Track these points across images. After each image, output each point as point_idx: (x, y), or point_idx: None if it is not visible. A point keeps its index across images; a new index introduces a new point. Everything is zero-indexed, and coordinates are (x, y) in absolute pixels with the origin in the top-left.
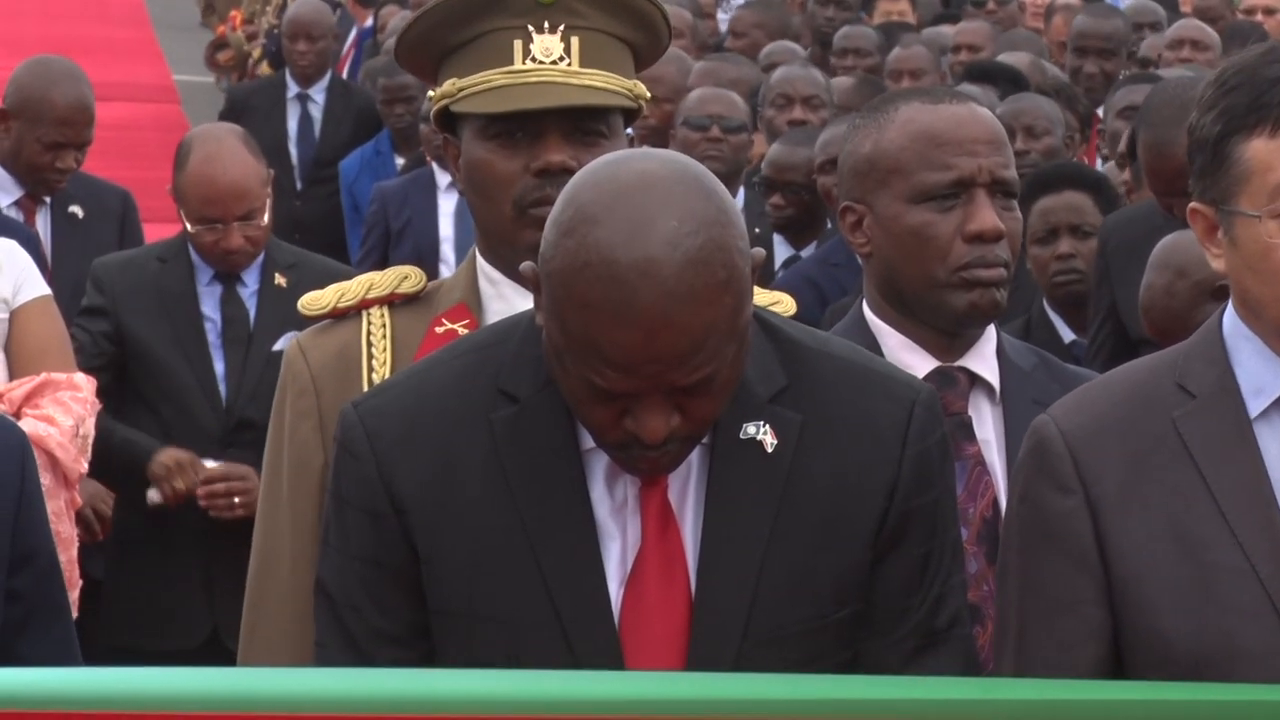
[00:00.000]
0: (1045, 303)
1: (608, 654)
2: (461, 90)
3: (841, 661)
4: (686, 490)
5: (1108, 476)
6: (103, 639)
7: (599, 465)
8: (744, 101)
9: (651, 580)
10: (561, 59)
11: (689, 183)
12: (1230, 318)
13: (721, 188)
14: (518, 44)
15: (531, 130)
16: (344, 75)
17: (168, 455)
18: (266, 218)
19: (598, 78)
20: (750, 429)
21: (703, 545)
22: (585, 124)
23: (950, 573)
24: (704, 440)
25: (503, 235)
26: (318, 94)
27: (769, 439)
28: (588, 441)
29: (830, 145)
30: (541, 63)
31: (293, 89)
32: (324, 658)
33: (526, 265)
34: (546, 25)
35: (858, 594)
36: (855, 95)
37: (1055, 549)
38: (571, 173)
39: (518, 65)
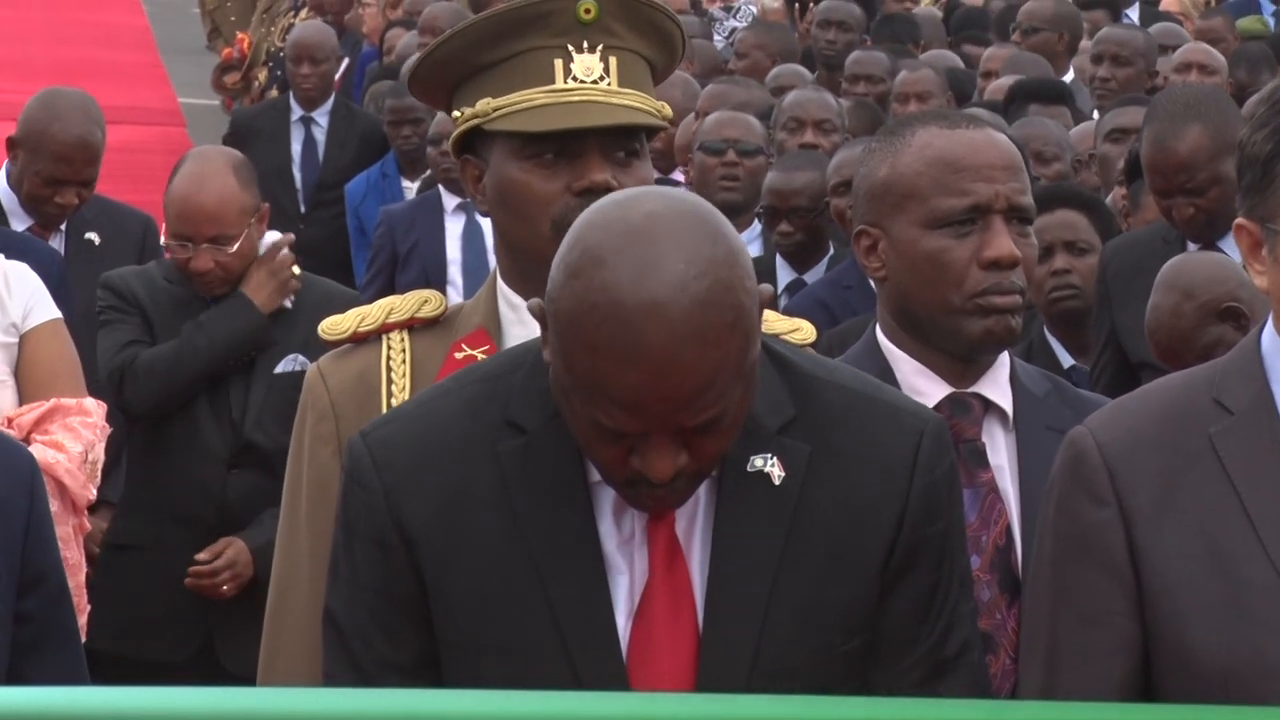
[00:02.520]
0: (1045, 328)
1: (615, 687)
2: (498, 110)
3: (850, 692)
4: (694, 524)
5: (1143, 490)
6: (87, 643)
7: (607, 498)
8: (762, 125)
9: (659, 613)
10: (602, 78)
11: (696, 224)
12: (1270, 335)
13: (729, 228)
14: (558, 63)
15: (571, 150)
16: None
17: (218, 559)
18: (238, 246)
19: (635, 98)
20: (758, 461)
21: (710, 578)
22: (622, 143)
23: (959, 601)
24: (712, 473)
25: (538, 256)
26: (321, 117)
27: (776, 471)
28: (595, 474)
29: (844, 167)
30: (583, 82)
31: (296, 112)
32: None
33: (534, 302)
34: (586, 45)
35: (866, 625)
36: (852, 119)
37: (1088, 560)
38: (612, 191)
39: (559, 84)
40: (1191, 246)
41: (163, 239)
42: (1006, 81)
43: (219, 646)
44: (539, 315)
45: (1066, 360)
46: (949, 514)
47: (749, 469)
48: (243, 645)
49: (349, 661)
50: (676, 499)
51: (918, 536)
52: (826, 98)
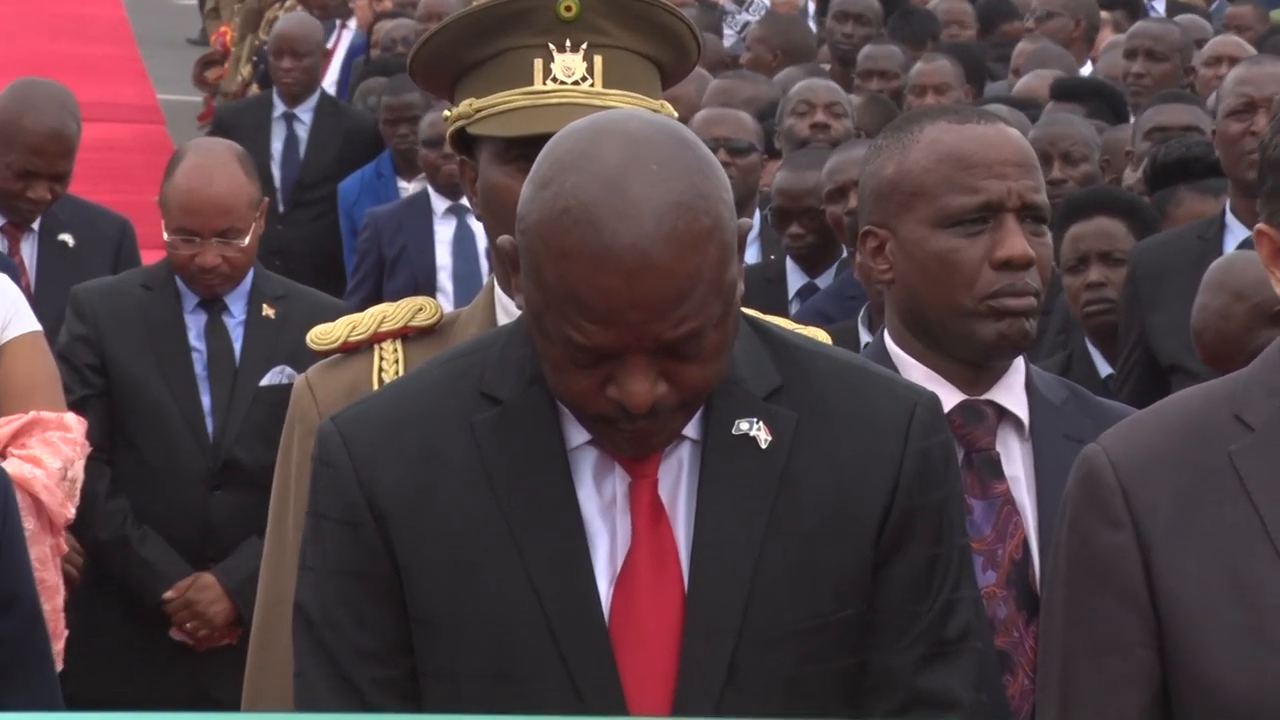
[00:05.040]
0: (1086, 337)
1: (598, 654)
2: (479, 111)
3: (845, 669)
4: (678, 487)
5: (1160, 512)
6: (70, 688)
7: (586, 463)
8: (753, 120)
9: (643, 577)
10: (584, 79)
11: (670, 134)
12: None
13: (705, 147)
14: (538, 63)
15: None
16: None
17: (180, 597)
18: (248, 240)
19: (622, 99)
20: (743, 425)
21: (695, 541)
22: None
23: (959, 583)
24: (695, 438)
25: (514, 256)
26: (305, 113)
27: (763, 435)
28: (574, 439)
29: (838, 172)
30: (563, 83)
31: (279, 108)
32: (304, 687)
33: (504, 239)
34: (568, 43)
35: (860, 595)
36: (864, 114)
37: (1103, 586)
38: None
39: (538, 86)
40: (1229, 245)
41: (166, 236)
42: (1031, 78)
43: (215, 684)
44: (509, 251)
45: (1105, 370)
46: (947, 486)
47: (734, 432)
48: (239, 687)
49: (320, 652)
50: (658, 430)
51: (912, 505)
52: (833, 84)
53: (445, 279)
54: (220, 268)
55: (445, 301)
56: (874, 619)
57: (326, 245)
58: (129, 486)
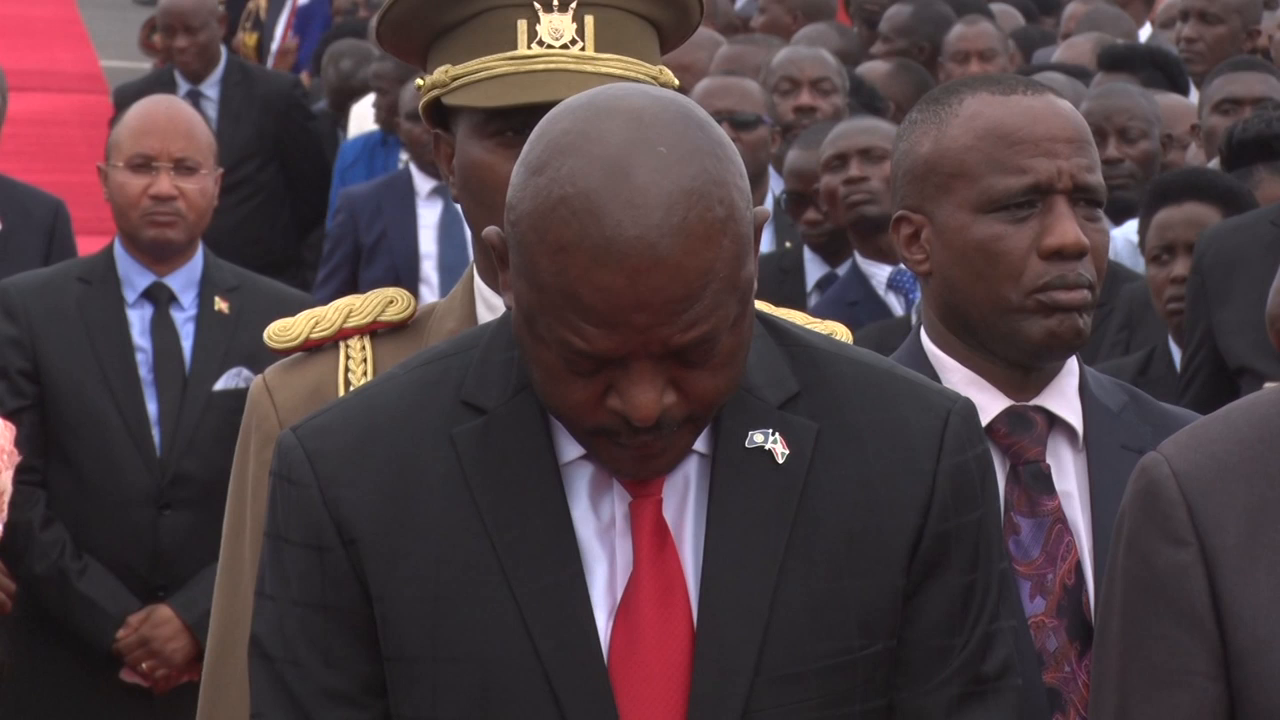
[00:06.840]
0: (1170, 335)
1: (596, 696)
2: (456, 79)
3: (873, 710)
4: (685, 507)
5: (1229, 527)
6: None
7: (582, 480)
8: (760, 89)
9: (646, 608)
10: (574, 42)
11: (679, 112)
12: None
13: (717, 127)
14: (522, 24)
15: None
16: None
17: (133, 634)
18: (205, 185)
19: (616, 64)
20: (757, 437)
21: (705, 567)
22: None
23: (998, 612)
24: (703, 451)
25: (502, 249)
26: (210, 88)
27: (779, 448)
28: (568, 453)
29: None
30: (551, 47)
31: (183, 86)
32: None
33: (491, 230)
34: (556, 3)
35: (889, 629)
36: (892, 83)
37: (1164, 610)
38: None
39: (522, 50)
40: None
41: (116, 179)
42: (1082, 41)
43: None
44: (498, 244)
45: None
46: (984, 505)
47: (747, 445)
48: None
49: (280, 692)
50: (663, 449)
51: (947, 526)
52: (823, 54)
53: (430, 268)
54: (176, 201)
55: (429, 293)
56: (904, 655)
57: (260, 234)
58: (66, 510)
